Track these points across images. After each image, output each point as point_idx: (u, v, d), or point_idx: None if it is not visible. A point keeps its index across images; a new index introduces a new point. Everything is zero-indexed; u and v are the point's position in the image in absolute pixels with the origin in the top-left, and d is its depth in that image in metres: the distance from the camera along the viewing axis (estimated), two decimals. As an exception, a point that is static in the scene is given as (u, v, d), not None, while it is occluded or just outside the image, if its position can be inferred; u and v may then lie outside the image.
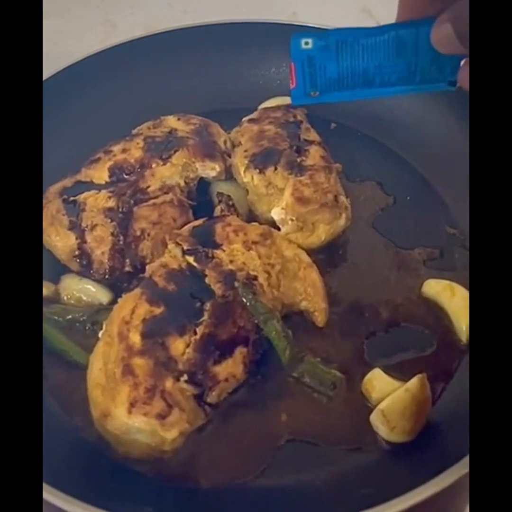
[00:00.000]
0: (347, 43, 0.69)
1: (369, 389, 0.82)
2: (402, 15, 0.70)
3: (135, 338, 0.79)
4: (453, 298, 0.89)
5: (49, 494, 0.67)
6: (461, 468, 0.68)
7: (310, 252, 0.94)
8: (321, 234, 0.95)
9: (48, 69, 1.14)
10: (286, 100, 1.18)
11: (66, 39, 1.49)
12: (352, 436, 0.80)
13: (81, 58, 1.15)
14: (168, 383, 0.76)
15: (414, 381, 0.78)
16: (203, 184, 1.06)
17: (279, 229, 0.96)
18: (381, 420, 0.77)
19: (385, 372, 0.83)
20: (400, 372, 0.83)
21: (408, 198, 1.07)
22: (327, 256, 0.97)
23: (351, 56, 0.70)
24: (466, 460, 0.68)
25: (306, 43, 0.69)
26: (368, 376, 0.83)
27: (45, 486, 0.67)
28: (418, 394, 0.77)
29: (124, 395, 0.75)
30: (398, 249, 0.99)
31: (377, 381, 0.81)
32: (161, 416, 0.74)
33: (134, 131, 1.09)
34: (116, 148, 1.03)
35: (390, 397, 0.77)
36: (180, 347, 0.79)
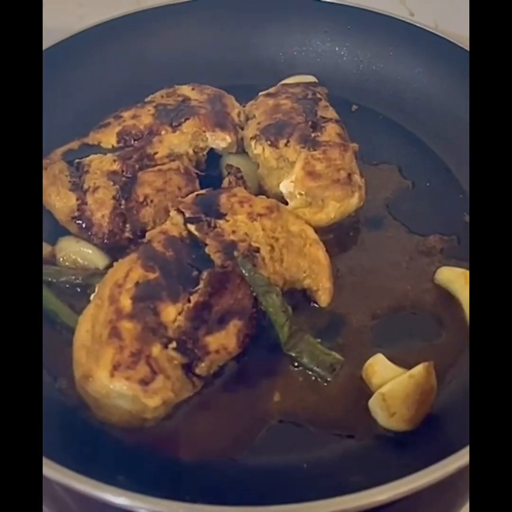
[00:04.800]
0: None
1: (369, 374, 0.76)
2: None
3: (126, 302, 0.75)
4: (466, 286, 0.83)
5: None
6: (456, 461, 0.62)
7: (318, 230, 0.89)
8: (330, 211, 0.90)
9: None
10: (308, 78, 1.14)
11: (91, 13, 1.46)
12: (346, 422, 0.75)
13: (98, 22, 1.13)
14: (155, 349, 0.72)
15: (419, 368, 0.72)
16: (214, 157, 1.02)
17: (287, 204, 0.91)
18: (380, 405, 0.72)
19: (389, 359, 0.77)
20: (404, 360, 0.78)
21: (428, 184, 1.02)
22: (336, 237, 0.93)
23: None
24: (462, 454, 0.62)
25: None
26: (370, 361, 0.77)
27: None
28: (423, 382, 0.71)
29: (108, 357, 0.71)
30: (412, 235, 0.94)
31: (379, 367, 0.76)
32: (144, 382, 0.70)
33: (147, 99, 1.06)
34: (127, 114, 1.01)
35: (392, 382, 0.72)
36: (172, 313, 0.75)
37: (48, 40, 1.43)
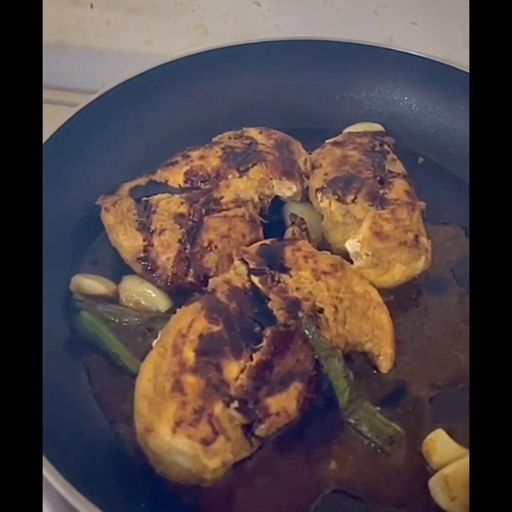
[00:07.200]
0: None
1: (429, 450, 0.75)
2: None
3: (189, 354, 0.76)
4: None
5: (76, 501, 0.64)
6: None
7: (381, 291, 0.88)
8: (395, 274, 0.89)
9: (138, 67, 1.14)
10: (374, 126, 1.14)
11: (158, 38, 1.49)
12: (404, 498, 0.73)
13: (171, 60, 1.14)
14: (217, 408, 0.72)
15: (483, 452, 0.71)
16: (277, 203, 1.02)
17: (351, 262, 0.91)
18: (442, 487, 0.70)
19: (449, 435, 0.76)
20: (464, 437, 0.76)
21: (493, 248, 0.99)
22: (398, 298, 0.91)
23: None
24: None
25: None
26: (430, 436, 0.76)
27: (76, 493, 0.64)
28: (486, 466, 0.70)
29: (170, 412, 0.71)
30: (476, 302, 0.92)
31: (440, 444, 0.75)
32: (206, 442, 0.70)
33: (214, 139, 1.06)
34: (195, 154, 1.01)
35: (456, 463, 0.70)
36: (234, 371, 0.75)
37: (118, 62, 1.48)
